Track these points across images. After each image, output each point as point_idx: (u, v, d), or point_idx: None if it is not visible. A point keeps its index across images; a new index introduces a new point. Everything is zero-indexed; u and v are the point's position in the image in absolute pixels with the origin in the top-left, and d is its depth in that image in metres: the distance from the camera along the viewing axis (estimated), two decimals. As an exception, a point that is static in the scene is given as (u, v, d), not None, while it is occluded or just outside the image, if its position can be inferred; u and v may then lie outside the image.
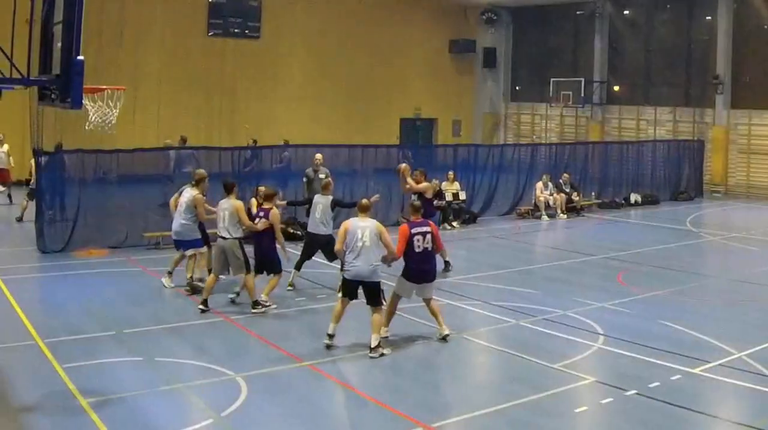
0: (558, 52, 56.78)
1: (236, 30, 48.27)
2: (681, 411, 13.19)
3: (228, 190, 19.34)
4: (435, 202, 30.78)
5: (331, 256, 20.34)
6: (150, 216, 26.93)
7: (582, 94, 51.06)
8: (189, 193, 20.34)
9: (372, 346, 15.68)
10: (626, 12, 52.58)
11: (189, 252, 20.69)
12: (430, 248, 16.50)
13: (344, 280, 16.33)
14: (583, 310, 19.41)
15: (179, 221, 20.43)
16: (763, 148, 44.70)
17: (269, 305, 19.02)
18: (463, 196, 33.37)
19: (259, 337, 17.01)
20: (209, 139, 40.29)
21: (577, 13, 53.81)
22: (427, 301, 16.84)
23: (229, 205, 19.07)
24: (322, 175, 25.82)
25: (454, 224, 31.95)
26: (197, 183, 20.38)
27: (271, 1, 49.13)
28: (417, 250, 16.32)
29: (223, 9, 47.68)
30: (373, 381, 14.85)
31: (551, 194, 35.75)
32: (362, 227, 15.90)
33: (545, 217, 35.01)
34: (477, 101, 60.26)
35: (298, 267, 21.25)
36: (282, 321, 18.56)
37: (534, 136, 56.02)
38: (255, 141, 36.63)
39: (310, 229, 21.14)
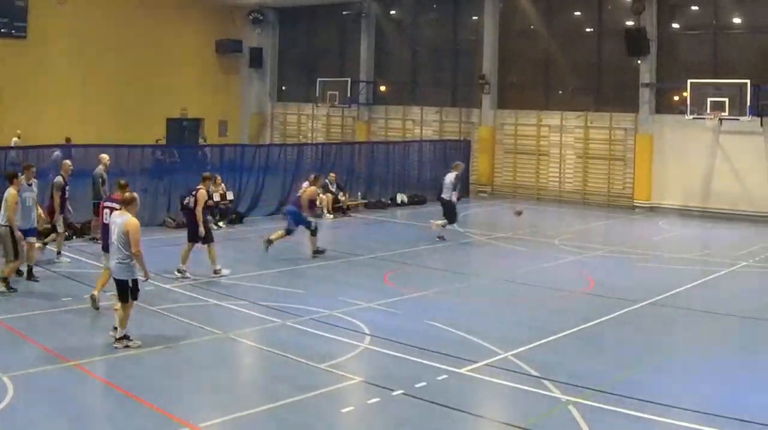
0: (325, 52, 57.06)
1: (2, 30, 47.10)
2: (448, 411, 13.13)
3: (10, 180, 20.41)
4: (207, 202, 30.42)
5: None
6: None
7: (348, 95, 51.15)
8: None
9: (117, 337, 15.90)
10: (392, 12, 53.14)
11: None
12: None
13: None
14: (350, 310, 19.30)
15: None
16: (529, 148, 45.69)
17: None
18: (230, 196, 32.98)
19: (25, 336, 16.46)
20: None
21: (344, 13, 53.88)
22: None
23: (8, 194, 20.10)
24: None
25: (221, 224, 31.47)
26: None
27: (38, 1, 47.87)
28: (105, 221, 18.24)
29: (-12, 9, 46.33)
30: (141, 381, 14.41)
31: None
32: (115, 224, 16.02)
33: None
34: (243, 101, 59.96)
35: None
36: (49, 320, 18.05)
37: (300, 136, 56.06)
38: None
39: None
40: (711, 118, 37.44)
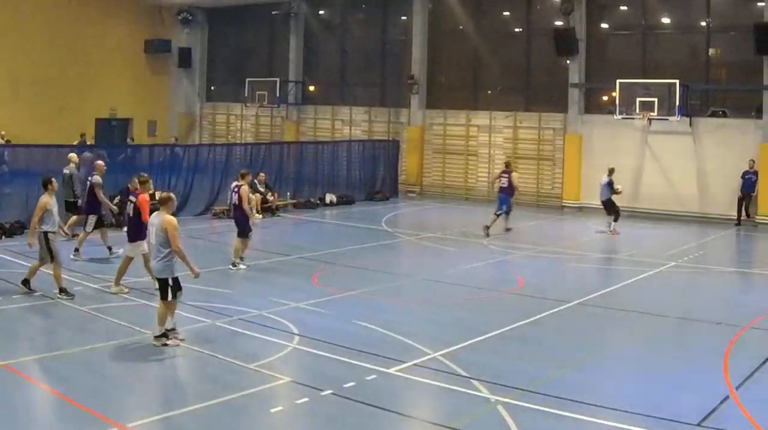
0: (254, 52, 56.86)
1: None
2: (376, 411, 13.09)
3: (44, 187, 20.43)
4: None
5: None
6: None
7: (277, 95, 50.87)
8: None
9: (156, 334, 16.35)
10: (321, 12, 53.04)
11: None
12: (131, 214, 20.72)
13: None
14: (279, 310, 19.23)
15: None
16: (457, 148, 45.82)
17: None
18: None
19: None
20: None
21: (273, 13, 53.67)
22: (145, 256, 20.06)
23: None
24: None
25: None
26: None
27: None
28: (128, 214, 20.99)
29: None
30: (70, 381, 14.37)
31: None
32: (153, 224, 16.69)
33: (241, 217, 34.69)
34: (172, 101, 59.56)
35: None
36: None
37: (229, 136, 55.84)
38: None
39: None
40: (640, 118, 37.72)
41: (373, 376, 14.66)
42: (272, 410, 13.16)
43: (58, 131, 44.46)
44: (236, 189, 25.06)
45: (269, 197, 36.63)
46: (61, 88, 50.73)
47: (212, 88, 59.61)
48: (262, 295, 20.80)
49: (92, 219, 25.43)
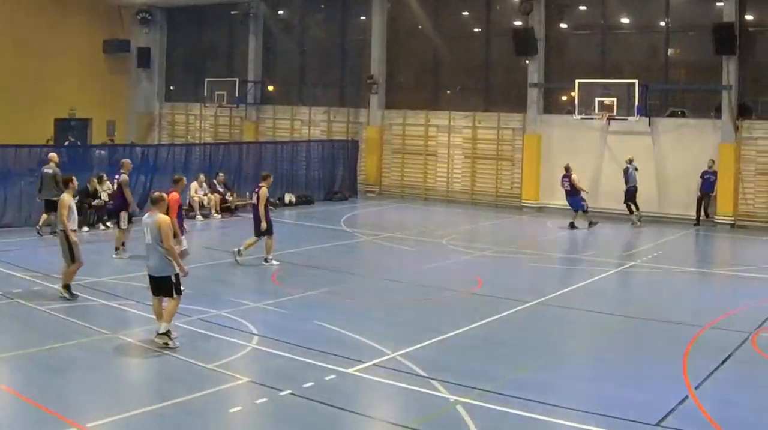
0: (213, 52, 56.68)
1: None
2: (335, 411, 13.05)
3: (65, 185, 20.66)
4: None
5: None
6: None
7: (236, 95, 50.75)
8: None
9: (159, 331, 16.22)
10: (280, 12, 52.88)
11: None
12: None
13: None
14: (238, 310, 19.17)
15: None
16: (416, 148, 45.82)
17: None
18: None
19: None
20: None
21: (232, 13, 53.46)
22: None
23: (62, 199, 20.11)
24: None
25: (109, 224, 30.95)
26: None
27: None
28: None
29: None
30: (28, 381, 14.33)
31: (205, 194, 35.41)
32: (146, 224, 16.60)
33: (200, 217, 34.65)
34: (131, 101, 59.17)
35: None
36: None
37: (188, 136, 55.60)
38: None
39: None
40: (599, 118, 37.81)
41: (332, 376, 14.62)
42: (231, 410, 13.10)
43: (18, 131, 44.16)
44: (256, 189, 25.53)
45: (228, 197, 36.54)
46: (20, 89, 50.32)
47: (171, 88, 59.38)
48: (221, 295, 20.72)
49: (124, 216, 26.11)
